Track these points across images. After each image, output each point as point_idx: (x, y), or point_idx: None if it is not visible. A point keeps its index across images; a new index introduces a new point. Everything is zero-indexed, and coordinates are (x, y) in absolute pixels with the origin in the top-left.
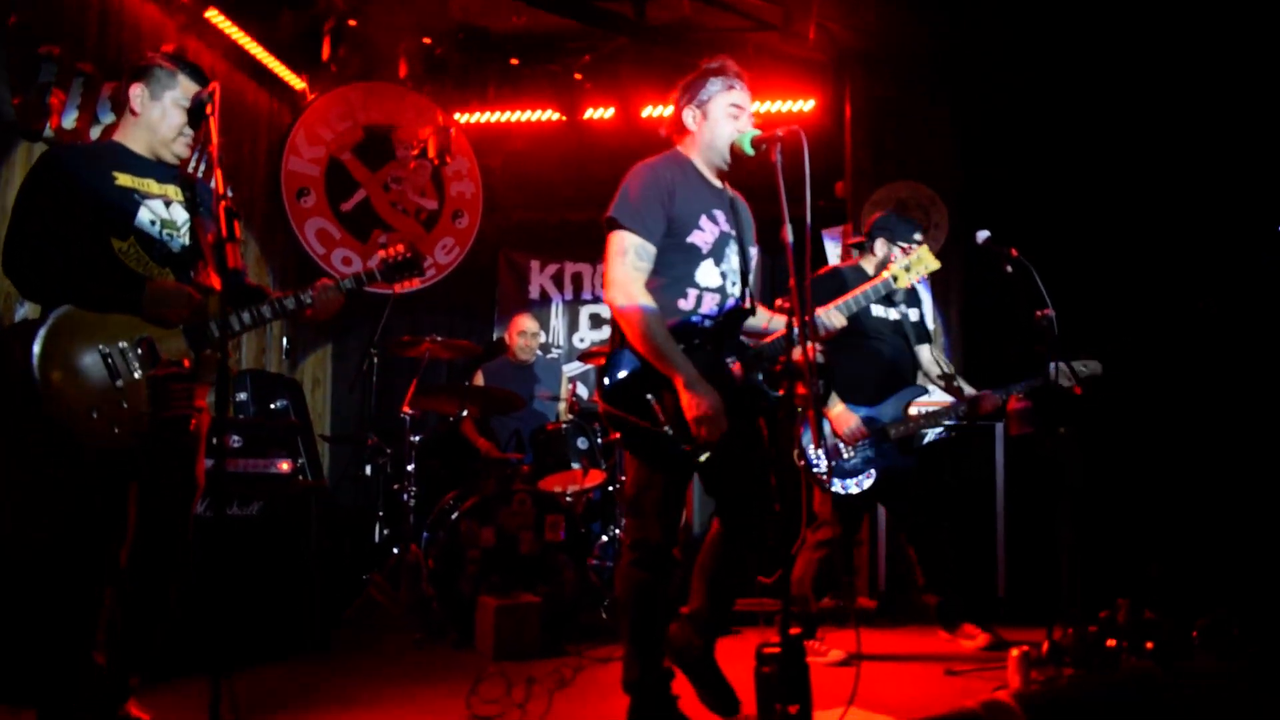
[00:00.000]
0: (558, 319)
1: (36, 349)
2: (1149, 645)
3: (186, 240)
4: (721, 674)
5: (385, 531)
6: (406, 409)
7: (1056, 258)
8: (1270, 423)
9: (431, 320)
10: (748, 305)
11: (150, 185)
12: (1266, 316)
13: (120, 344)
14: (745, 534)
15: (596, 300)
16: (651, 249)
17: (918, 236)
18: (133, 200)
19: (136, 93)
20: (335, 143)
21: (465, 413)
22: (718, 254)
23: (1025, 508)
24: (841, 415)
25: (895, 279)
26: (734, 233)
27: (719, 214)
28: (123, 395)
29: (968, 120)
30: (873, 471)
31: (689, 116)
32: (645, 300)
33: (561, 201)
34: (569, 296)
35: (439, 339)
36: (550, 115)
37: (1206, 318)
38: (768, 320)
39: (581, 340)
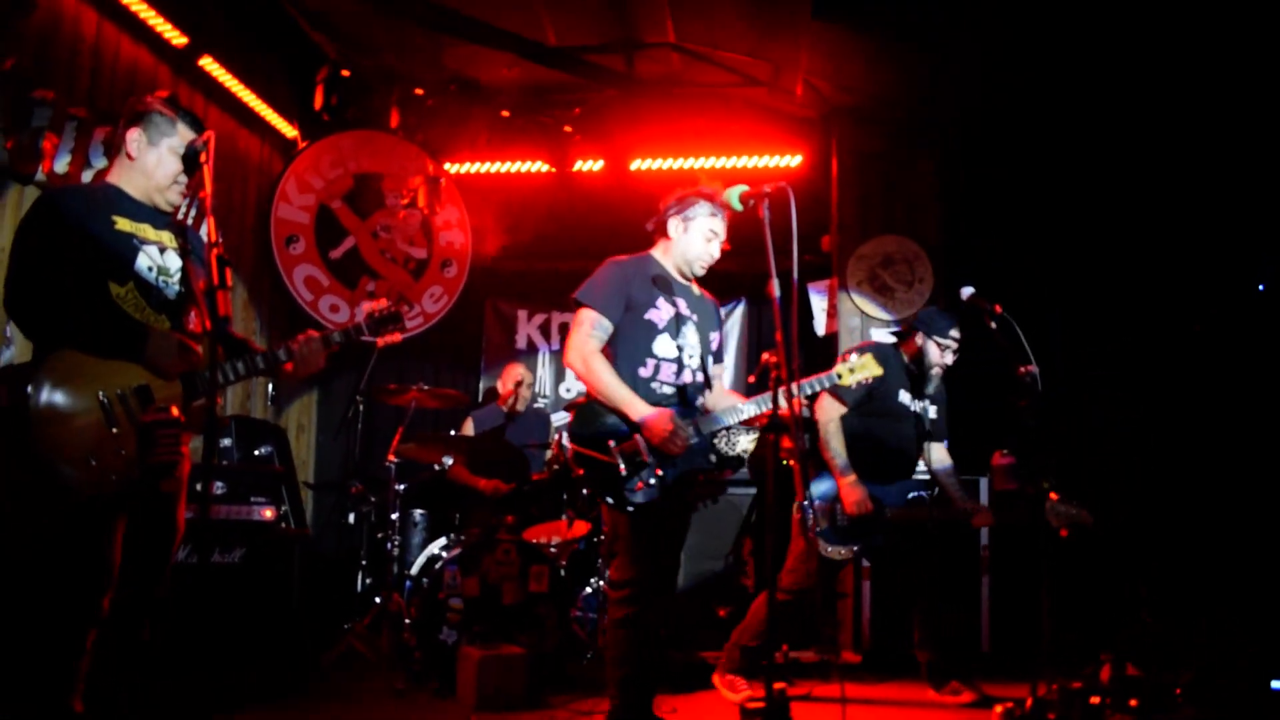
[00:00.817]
0: (544, 369)
1: (33, 395)
2: (1133, 702)
3: (180, 287)
4: None
5: (368, 580)
6: (392, 457)
7: (1042, 310)
8: (1262, 464)
9: (418, 368)
10: (701, 379)
11: (147, 231)
12: (1261, 344)
13: (117, 390)
14: (661, 594)
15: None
16: (608, 324)
17: (953, 333)
18: (131, 246)
19: (134, 137)
20: (325, 190)
21: (450, 461)
22: (673, 330)
23: (1010, 562)
24: (854, 486)
25: (839, 376)
26: (693, 317)
27: (679, 300)
28: (119, 443)
29: (953, 175)
30: (858, 546)
31: (674, 226)
32: (598, 360)
33: (550, 252)
34: (556, 346)
35: (425, 388)
36: (540, 166)
37: (1199, 341)
38: (722, 397)
39: (568, 390)
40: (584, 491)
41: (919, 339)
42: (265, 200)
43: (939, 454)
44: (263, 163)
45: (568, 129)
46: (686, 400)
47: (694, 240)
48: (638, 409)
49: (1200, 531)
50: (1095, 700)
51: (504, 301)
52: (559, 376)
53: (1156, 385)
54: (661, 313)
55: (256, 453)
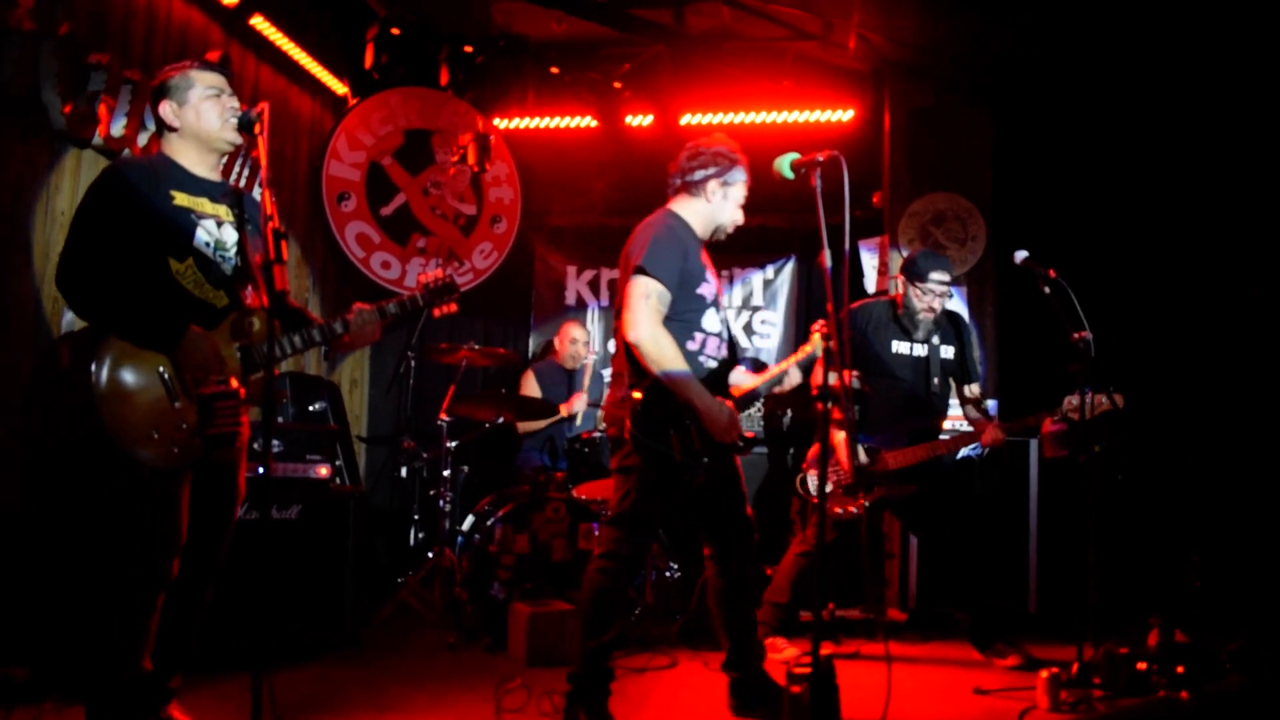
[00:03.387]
0: (594, 325)
1: (95, 371)
2: (1180, 669)
3: (237, 260)
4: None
5: (420, 535)
6: (444, 415)
7: (1097, 270)
8: None
9: (468, 325)
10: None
11: (204, 205)
12: None
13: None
14: (734, 561)
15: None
16: (670, 297)
17: (935, 275)
18: (190, 220)
19: (166, 110)
20: (376, 147)
21: (501, 419)
22: (716, 304)
23: (1058, 525)
24: (842, 447)
25: (816, 351)
26: (719, 291)
27: (710, 271)
28: (181, 416)
29: (1008, 131)
30: (865, 498)
31: (714, 189)
32: (668, 340)
33: (599, 207)
34: (605, 303)
35: (476, 347)
36: (589, 122)
37: (1257, 309)
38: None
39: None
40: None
41: (902, 284)
42: (317, 158)
43: (967, 393)
44: (314, 121)
45: (617, 85)
46: (725, 372)
47: (731, 208)
48: (706, 400)
49: (1252, 498)
50: (1142, 666)
51: (553, 257)
52: (608, 333)
53: (1213, 350)
54: (710, 286)
55: (311, 408)
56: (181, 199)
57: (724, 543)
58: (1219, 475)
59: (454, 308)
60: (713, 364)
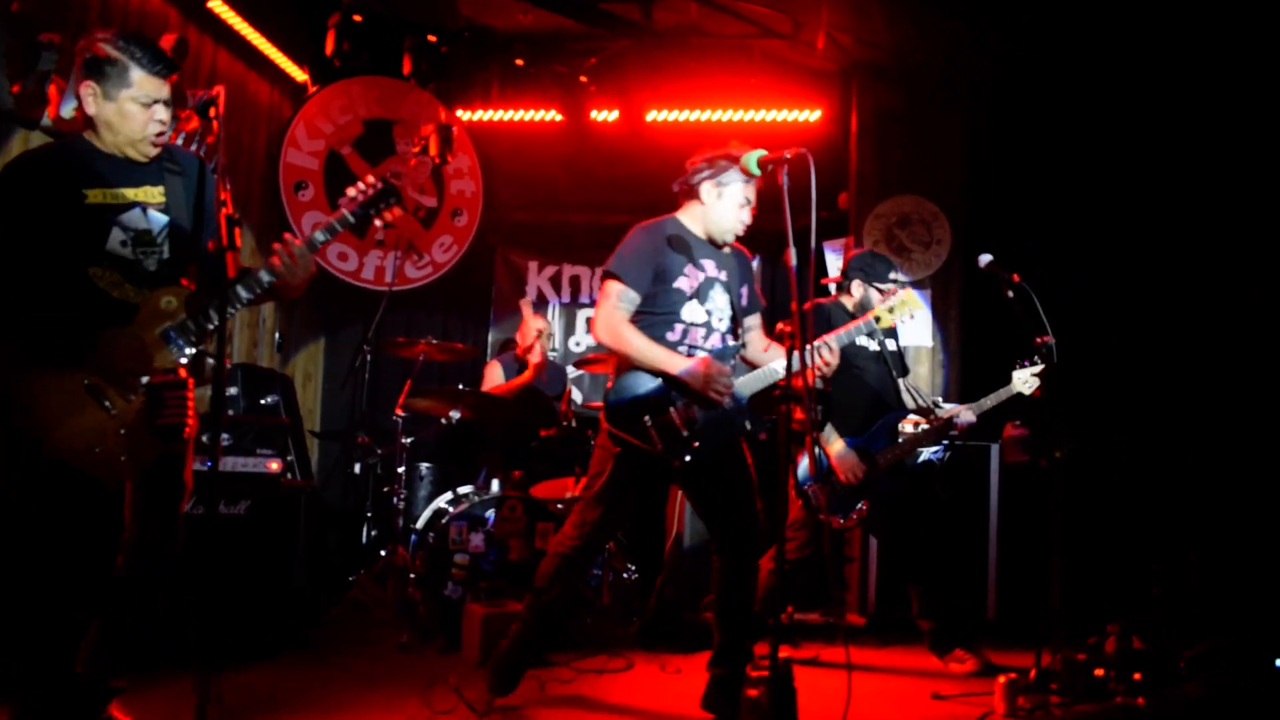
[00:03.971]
0: (555, 321)
1: (19, 394)
2: (1137, 675)
3: (165, 253)
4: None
5: (373, 532)
6: (400, 410)
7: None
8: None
9: (426, 319)
10: (733, 341)
11: (124, 194)
12: None
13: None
14: (733, 553)
15: (594, 305)
16: (634, 295)
17: (894, 276)
18: (104, 221)
19: (87, 93)
20: (335, 136)
21: (458, 415)
22: (702, 295)
23: (1019, 530)
24: (842, 456)
25: (879, 319)
26: (722, 277)
27: (707, 262)
28: (118, 422)
29: (975, 136)
30: (864, 502)
31: (707, 191)
32: (626, 327)
33: (562, 203)
34: (566, 299)
35: (434, 341)
36: (553, 116)
37: (1257, 308)
38: (765, 349)
39: (578, 344)
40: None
41: (858, 287)
42: (274, 145)
43: (903, 386)
44: (272, 107)
45: (583, 79)
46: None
47: (727, 208)
48: (676, 362)
49: (1215, 508)
50: (1099, 672)
51: (514, 252)
52: (569, 330)
53: (1178, 359)
54: (690, 279)
55: (263, 401)
56: (95, 195)
57: (724, 533)
58: (1220, 476)
59: (397, 212)
60: (699, 353)
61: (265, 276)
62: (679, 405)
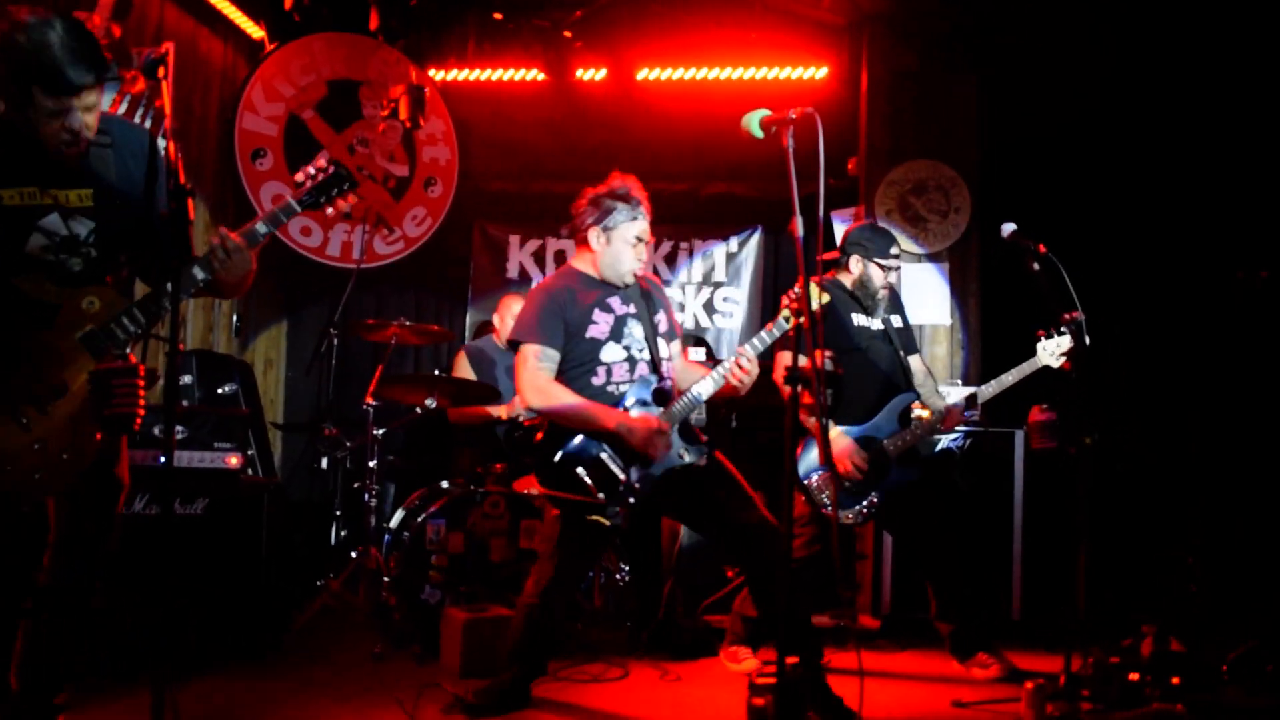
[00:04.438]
0: None
1: None
2: (1175, 680)
3: (93, 251)
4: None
5: (343, 532)
6: (370, 399)
7: (1097, 251)
8: None
9: (398, 299)
10: (651, 371)
11: (39, 196)
12: None
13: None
14: (752, 561)
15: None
16: (553, 352)
17: (895, 251)
18: (23, 225)
19: None
20: (296, 99)
21: (434, 404)
22: (616, 334)
23: (1045, 524)
24: (841, 444)
25: (787, 320)
26: (632, 311)
27: (613, 301)
28: (34, 436)
29: (995, 95)
30: (874, 495)
31: (594, 238)
32: (555, 387)
33: (546, 171)
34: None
35: (407, 323)
36: (536, 75)
37: (1250, 292)
38: (684, 369)
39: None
40: None
41: (857, 264)
42: (229, 110)
43: (916, 365)
44: (226, 68)
45: (567, 34)
46: (652, 391)
47: (619, 252)
48: (611, 415)
49: (1255, 499)
50: (1134, 677)
51: (494, 225)
52: None
53: (1214, 337)
54: (600, 325)
55: (220, 391)
56: (10, 196)
57: (734, 546)
58: (1222, 465)
59: (353, 199)
60: (626, 388)
61: (199, 274)
62: (612, 448)
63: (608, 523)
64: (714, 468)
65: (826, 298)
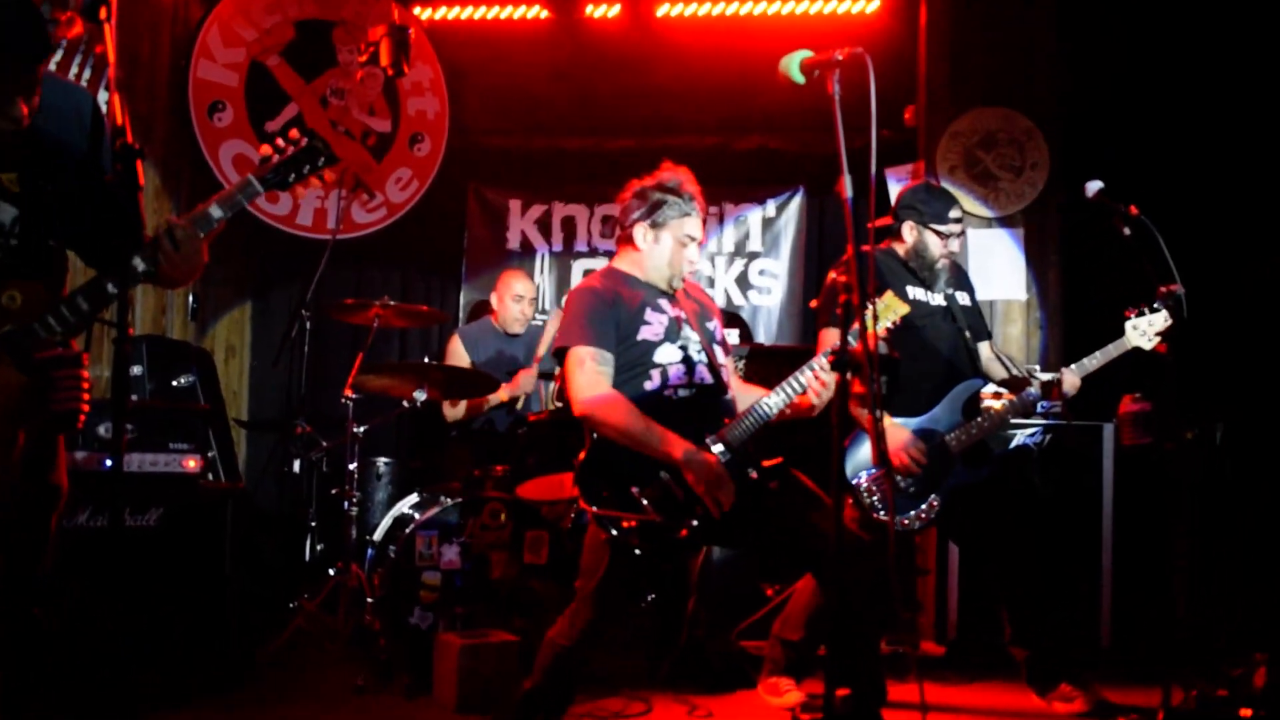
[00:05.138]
0: (544, 275)
1: None
2: None
3: (14, 240)
4: None
5: (319, 546)
6: (349, 391)
7: (1194, 210)
8: None
9: (381, 275)
10: (712, 377)
11: None
12: None
13: None
14: (827, 587)
15: (594, 253)
16: (609, 355)
17: (955, 215)
18: None
19: None
20: (259, 43)
21: (423, 396)
22: (672, 336)
23: (1139, 533)
24: (894, 434)
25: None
26: (683, 315)
27: (663, 303)
28: None
29: (1079, 31)
30: (935, 497)
31: (641, 235)
32: (621, 401)
33: (551, 124)
34: (558, 247)
35: (391, 304)
36: (539, 13)
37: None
38: (741, 395)
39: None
40: None
41: (911, 230)
42: (182, 57)
43: (986, 354)
44: (178, 7)
45: None
46: (707, 401)
47: (669, 251)
48: (678, 445)
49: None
50: (1246, 713)
51: (491, 189)
52: (563, 285)
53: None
54: (654, 327)
55: (175, 383)
56: None
57: (795, 560)
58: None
59: (330, 176)
60: (684, 393)
61: (140, 265)
62: (668, 465)
63: (683, 533)
64: (788, 485)
65: (905, 309)
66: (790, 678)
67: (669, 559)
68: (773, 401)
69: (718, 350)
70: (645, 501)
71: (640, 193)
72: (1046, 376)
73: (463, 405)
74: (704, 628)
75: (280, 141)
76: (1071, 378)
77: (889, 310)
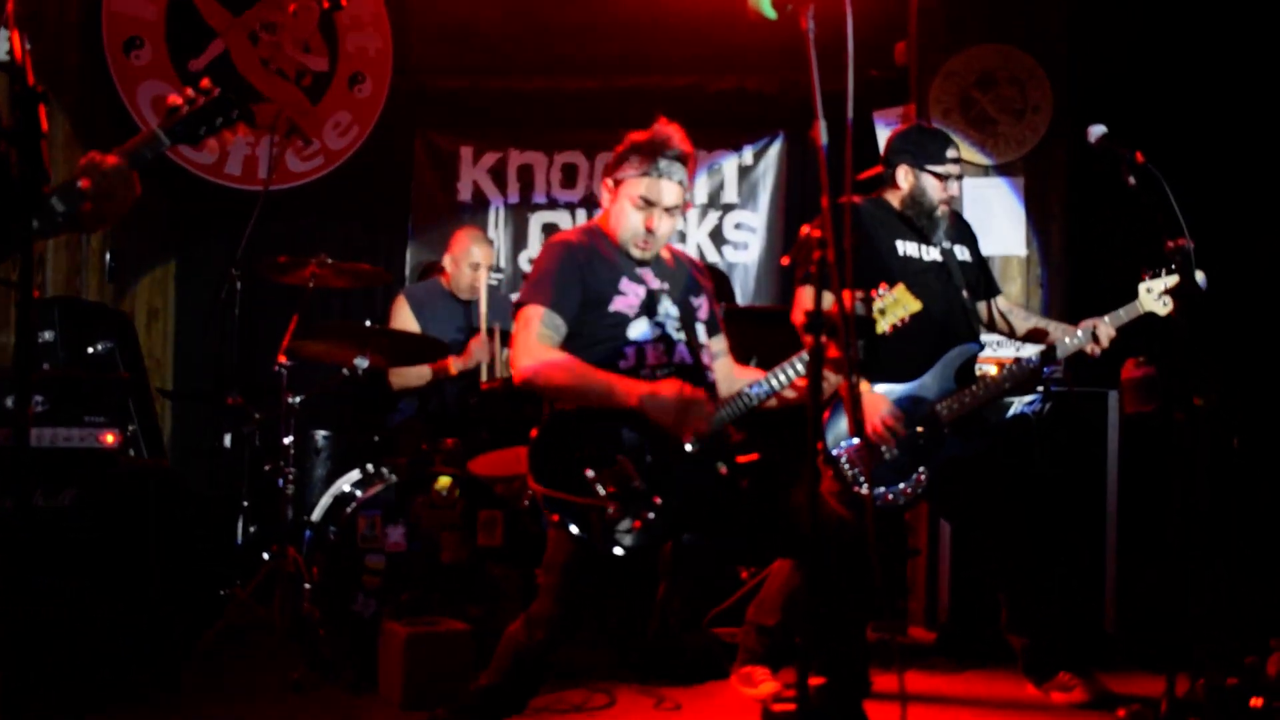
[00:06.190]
0: (498, 230)
1: None
2: None
3: None
4: None
5: (252, 528)
6: (283, 358)
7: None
8: None
9: (318, 230)
10: (692, 358)
11: None
12: None
13: None
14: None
15: (553, 205)
16: (559, 320)
17: (952, 154)
18: None
19: None
20: None
21: (366, 363)
22: (649, 309)
23: (1146, 509)
24: (869, 401)
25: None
26: (665, 287)
27: (643, 273)
28: None
29: None
30: (923, 471)
31: (603, 190)
32: (554, 353)
33: (507, 63)
34: (514, 199)
35: (330, 261)
36: None
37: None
38: (732, 379)
39: (530, 261)
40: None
41: (905, 174)
42: None
43: (1000, 308)
44: None
45: None
46: (691, 374)
47: (622, 211)
48: (631, 388)
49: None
50: (1258, 702)
51: (441, 134)
52: (519, 242)
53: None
54: (628, 298)
55: (91, 350)
56: None
57: (787, 549)
58: None
59: (243, 130)
60: (664, 374)
61: (59, 205)
62: (629, 448)
63: (637, 524)
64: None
65: (916, 306)
66: (766, 667)
67: (623, 551)
68: (755, 392)
69: (700, 329)
70: (599, 487)
71: (616, 147)
72: (1079, 328)
73: (410, 372)
74: (675, 615)
75: (190, 91)
76: (1106, 329)
77: (898, 305)
